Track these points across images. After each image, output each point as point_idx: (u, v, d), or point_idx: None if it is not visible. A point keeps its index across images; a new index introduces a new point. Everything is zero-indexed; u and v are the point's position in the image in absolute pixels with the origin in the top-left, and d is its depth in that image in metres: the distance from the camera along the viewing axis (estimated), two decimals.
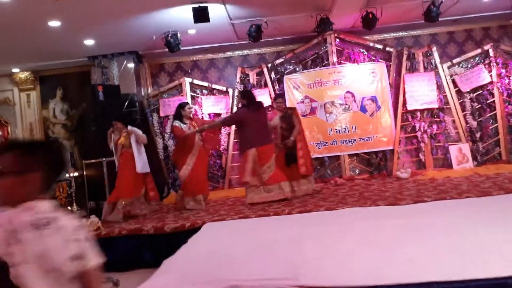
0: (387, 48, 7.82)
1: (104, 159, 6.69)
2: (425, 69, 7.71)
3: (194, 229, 4.50)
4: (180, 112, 6.13)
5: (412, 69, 7.70)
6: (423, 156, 7.60)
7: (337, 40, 7.75)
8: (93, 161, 6.85)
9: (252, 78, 7.97)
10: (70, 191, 6.78)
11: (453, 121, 7.59)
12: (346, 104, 7.70)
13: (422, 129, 7.53)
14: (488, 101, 7.61)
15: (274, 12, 6.61)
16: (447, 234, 3.16)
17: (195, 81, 8.09)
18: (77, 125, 8.44)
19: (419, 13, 6.90)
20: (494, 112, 7.58)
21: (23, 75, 8.41)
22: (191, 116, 6.41)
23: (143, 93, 8.22)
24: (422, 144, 7.56)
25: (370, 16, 6.75)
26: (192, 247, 3.67)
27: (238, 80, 7.99)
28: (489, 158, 7.55)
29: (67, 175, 6.90)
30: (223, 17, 6.50)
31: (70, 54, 7.64)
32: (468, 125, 7.57)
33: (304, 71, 7.85)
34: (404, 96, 7.60)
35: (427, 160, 7.57)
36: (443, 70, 7.64)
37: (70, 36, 6.69)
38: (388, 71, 7.74)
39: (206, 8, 5.74)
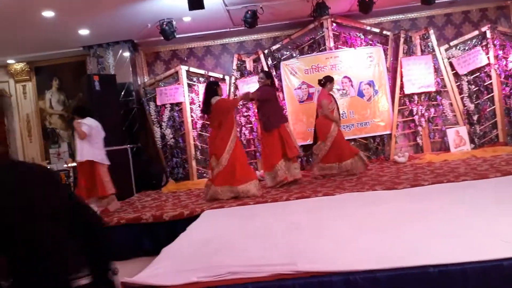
0: (384, 32, 7.78)
1: None
2: (422, 52, 7.68)
3: (193, 217, 4.52)
4: (215, 90, 5.63)
5: (409, 52, 7.68)
6: (420, 140, 7.62)
7: (334, 24, 7.70)
8: None
9: (249, 64, 7.93)
10: (68, 181, 6.79)
11: (451, 104, 7.58)
12: (343, 89, 7.68)
13: (419, 112, 7.54)
14: (485, 84, 7.60)
15: None
16: (444, 218, 3.18)
17: (192, 69, 8.06)
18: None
19: None
20: (492, 94, 7.57)
21: (19, 66, 8.37)
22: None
23: (139, 82, 8.19)
24: (419, 128, 7.58)
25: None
26: (191, 234, 3.69)
27: (234, 67, 7.95)
28: (487, 141, 7.58)
29: (65, 165, 6.91)
30: (218, 3, 6.45)
31: (65, 44, 7.59)
32: (465, 108, 7.57)
33: (301, 56, 7.82)
34: (401, 80, 7.59)
35: (425, 143, 7.59)
36: (440, 53, 7.62)
37: (65, 26, 6.65)
38: (385, 55, 7.71)
39: None
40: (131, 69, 7.95)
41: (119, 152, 6.97)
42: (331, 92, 6.45)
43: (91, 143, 5.54)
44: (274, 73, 7.83)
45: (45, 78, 8.45)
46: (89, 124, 5.55)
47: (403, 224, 3.14)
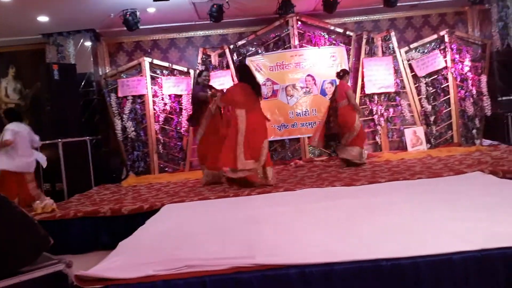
0: (347, 32, 7.92)
1: (59, 140, 6.50)
2: (384, 53, 7.88)
3: (153, 211, 4.47)
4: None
5: (371, 53, 7.86)
6: (379, 138, 7.83)
7: (299, 23, 7.78)
8: (48, 142, 6.62)
9: (214, 59, 7.90)
10: None
11: (409, 105, 7.82)
12: (306, 87, 7.78)
13: (379, 112, 7.74)
14: (442, 86, 7.89)
15: None
16: (398, 213, 3.29)
17: (155, 61, 7.94)
18: (31, 105, 8.13)
19: None
20: (448, 96, 7.86)
21: None
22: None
23: (100, 73, 8.01)
24: (378, 127, 7.78)
25: None
26: (150, 228, 3.65)
27: (199, 61, 7.91)
28: (442, 141, 7.87)
29: None
30: None
31: (23, 31, 7.32)
32: (423, 109, 7.84)
33: (266, 53, 7.86)
34: (362, 80, 7.76)
35: (383, 142, 7.80)
36: (400, 54, 7.84)
37: (23, 12, 6.41)
38: (348, 55, 7.86)
39: None
40: (92, 59, 7.76)
41: (78, 144, 6.81)
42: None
43: (14, 149, 5.21)
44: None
45: (0, 66, 8.10)
46: (15, 130, 5.26)
47: (358, 219, 3.22)
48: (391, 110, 7.79)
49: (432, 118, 7.84)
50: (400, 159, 6.80)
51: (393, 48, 7.86)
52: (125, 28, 6.94)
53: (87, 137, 7.03)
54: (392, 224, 2.99)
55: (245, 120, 5.26)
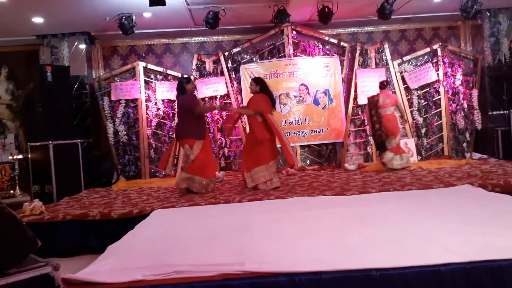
0: (342, 43, 7.99)
1: (50, 142, 6.46)
2: (377, 65, 7.95)
3: (143, 216, 4.44)
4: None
5: (364, 64, 7.92)
6: (370, 149, 7.86)
7: (294, 32, 7.83)
8: (38, 144, 6.59)
9: (209, 65, 7.92)
10: (14, 174, 6.51)
11: (401, 117, 7.85)
12: (300, 96, 7.82)
13: None
14: (434, 99, 7.97)
15: (232, 0, 6.58)
16: (388, 223, 3.30)
17: (150, 66, 7.94)
18: (23, 106, 8.08)
19: (373, 10, 7.09)
20: (439, 109, 7.94)
21: None
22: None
23: (94, 76, 7.99)
24: (370, 138, 7.81)
25: (326, 10, 6.87)
26: (139, 233, 3.62)
27: (194, 67, 7.92)
28: (433, 153, 7.93)
29: (10, 157, 6.62)
30: (180, 1, 6.41)
31: (17, 31, 7.30)
32: (414, 121, 7.90)
33: (261, 61, 7.89)
34: (355, 91, 7.82)
35: (375, 153, 7.83)
36: (393, 67, 7.92)
37: (17, 13, 6.39)
38: (342, 65, 7.93)
39: None
40: (86, 62, 7.74)
41: (69, 146, 6.78)
42: None
43: None
44: (233, 76, 7.85)
45: None
46: None
47: (348, 228, 3.23)
48: None
49: (423, 131, 7.91)
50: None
51: (386, 60, 7.94)
52: (120, 32, 6.93)
53: (79, 140, 7.00)
54: (381, 235, 3.00)
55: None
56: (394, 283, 2.38)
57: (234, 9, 6.85)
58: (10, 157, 6.73)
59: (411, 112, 7.89)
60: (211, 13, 6.79)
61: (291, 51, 7.83)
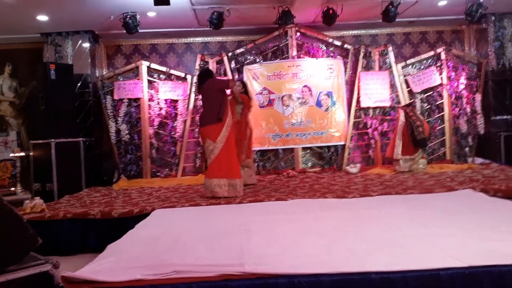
0: (345, 45, 7.98)
1: (52, 140, 6.47)
2: (380, 68, 7.93)
3: (143, 215, 4.44)
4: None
5: (368, 67, 7.91)
6: (372, 152, 7.85)
7: (298, 33, 7.83)
8: (41, 141, 6.59)
9: (212, 66, 7.92)
10: (15, 171, 6.52)
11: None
12: (303, 98, 7.81)
13: (373, 126, 7.77)
14: (437, 103, 7.94)
15: (237, 1, 6.58)
16: (388, 227, 3.29)
17: (153, 65, 7.94)
18: (26, 104, 8.10)
19: (377, 13, 7.08)
20: (442, 113, 7.92)
21: None
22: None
23: (97, 74, 8.00)
24: (372, 141, 7.80)
25: (331, 12, 6.88)
26: (139, 232, 3.62)
27: (197, 67, 7.92)
28: (435, 157, 7.90)
29: (11, 154, 6.64)
30: (185, 1, 6.42)
31: (22, 29, 7.31)
32: None
33: (264, 62, 7.89)
34: (358, 93, 7.81)
35: (376, 156, 7.82)
36: (397, 70, 7.90)
37: (22, 10, 6.40)
38: (345, 67, 7.91)
39: None
40: (90, 60, 7.75)
41: (71, 145, 6.79)
42: None
43: None
44: (236, 76, 7.85)
45: None
46: None
47: (349, 231, 3.23)
48: (385, 124, 7.83)
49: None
50: (393, 173, 6.83)
51: (390, 63, 7.92)
52: (124, 31, 6.94)
53: (81, 139, 7.01)
54: (382, 238, 3.00)
55: None
56: (394, 287, 2.37)
57: (239, 9, 6.86)
58: (12, 154, 6.75)
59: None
60: (215, 13, 6.80)
61: (294, 53, 7.83)
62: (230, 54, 7.93)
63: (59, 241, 4.55)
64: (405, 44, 8.46)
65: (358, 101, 7.85)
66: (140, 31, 6.99)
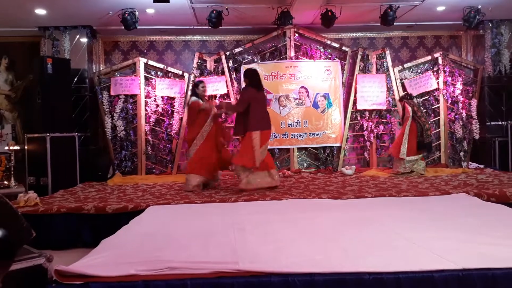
0: (343, 48, 8.00)
1: (48, 134, 6.44)
2: (377, 71, 7.96)
3: (137, 211, 4.43)
4: (194, 90, 5.97)
5: (365, 70, 7.94)
6: (368, 154, 7.87)
7: (296, 34, 7.84)
8: (36, 135, 6.56)
9: (210, 64, 7.91)
10: (9, 165, 6.48)
11: (399, 123, 7.89)
12: (299, 99, 7.82)
13: (369, 128, 7.80)
14: (433, 107, 7.98)
15: (236, 0, 6.58)
16: (382, 228, 3.30)
17: (150, 62, 7.93)
18: (21, 97, 8.06)
19: (376, 16, 7.11)
20: (438, 117, 7.96)
21: None
22: (205, 96, 6.27)
23: (94, 70, 7.98)
24: (368, 143, 7.83)
25: (329, 13, 6.89)
26: (133, 228, 3.61)
27: (195, 65, 7.91)
28: (429, 161, 7.93)
29: (6, 147, 6.60)
30: None
31: (19, 22, 7.27)
32: None
33: (262, 62, 7.89)
34: (355, 96, 7.83)
35: (372, 158, 7.85)
36: (394, 73, 7.93)
37: (21, 3, 6.38)
38: (342, 70, 7.93)
39: None
40: (87, 55, 7.72)
41: (66, 139, 6.76)
42: None
43: None
44: (234, 75, 7.86)
45: None
46: None
47: (343, 231, 3.24)
48: (381, 127, 7.86)
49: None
50: (388, 176, 6.85)
51: (387, 66, 7.95)
52: (122, 27, 6.93)
53: (76, 133, 6.98)
54: (376, 239, 3.01)
55: None
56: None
57: (238, 9, 6.86)
58: (7, 148, 6.71)
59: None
60: (214, 12, 6.80)
61: (292, 54, 7.84)
62: (228, 53, 7.93)
63: (52, 235, 4.54)
64: (403, 48, 8.49)
65: (354, 103, 7.87)
66: (138, 27, 6.97)
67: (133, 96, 7.78)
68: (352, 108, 7.88)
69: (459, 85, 7.90)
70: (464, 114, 7.90)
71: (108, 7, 6.70)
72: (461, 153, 7.94)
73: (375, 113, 7.88)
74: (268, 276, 2.41)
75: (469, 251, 2.67)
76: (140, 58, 7.85)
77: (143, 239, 3.20)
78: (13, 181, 6.54)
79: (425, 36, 8.51)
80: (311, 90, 7.82)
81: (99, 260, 2.67)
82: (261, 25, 7.75)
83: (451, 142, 8.00)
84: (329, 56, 7.94)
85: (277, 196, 5.02)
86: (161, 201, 4.88)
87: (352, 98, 7.85)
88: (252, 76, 5.68)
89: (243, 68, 7.79)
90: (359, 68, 7.92)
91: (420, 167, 6.97)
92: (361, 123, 7.88)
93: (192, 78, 7.77)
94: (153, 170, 7.81)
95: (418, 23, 7.96)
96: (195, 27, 7.77)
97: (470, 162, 7.95)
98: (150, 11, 6.91)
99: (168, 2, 5.85)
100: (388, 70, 7.94)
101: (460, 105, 7.89)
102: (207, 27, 7.13)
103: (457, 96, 7.90)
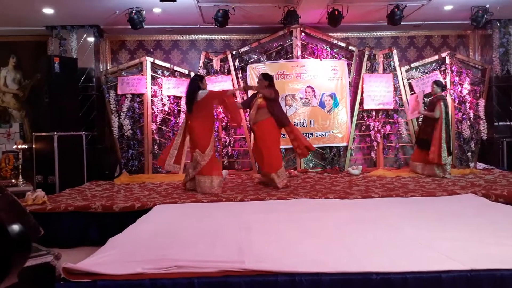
0: (350, 47, 7.98)
1: (55, 133, 6.48)
2: (384, 70, 7.93)
3: (144, 210, 4.45)
4: (198, 84, 5.67)
5: (372, 69, 7.91)
6: (374, 154, 7.85)
7: (303, 34, 7.83)
8: (43, 134, 6.61)
9: (216, 64, 7.92)
10: (17, 163, 6.53)
11: (406, 123, 7.87)
12: (306, 98, 7.80)
13: (376, 128, 7.76)
14: None
15: None
16: (389, 228, 3.29)
17: (157, 61, 7.95)
18: (29, 96, 8.11)
19: (383, 15, 7.08)
20: None
21: None
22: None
23: (101, 69, 8.01)
24: (374, 143, 7.80)
25: (336, 13, 6.87)
26: (140, 226, 3.63)
27: (201, 64, 7.93)
28: None
29: (14, 146, 6.64)
30: None
31: (27, 21, 7.32)
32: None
33: (268, 62, 7.89)
34: (362, 95, 7.81)
35: (378, 158, 7.82)
36: (401, 73, 7.89)
37: (28, 3, 6.41)
38: (349, 69, 7.90)
39: None
40: (94, 54, 7.75)
41: (73, 138, 6.80)
42: None
43: None
44: (240, 75, 7.86)
45: (1, 55, 8.06)
46: None
47: (350, 231, 3.23)
48: (388, 127, 7.82)
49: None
50: (395, 176, 6.82)
51: (394, 65, 7.92)
52: (129, 26, 6.95)
53: (83, 132, 7.02)
54: (383, 239, 3.00)
55: None
56: None
57: (244, 8, 6.86)
58: (15, 146, 6.76)
59: (417, 119, 7.86)
60: (220, 11, 6.81)
61: (299, 53, 7.83)
62: (234, 52, 7.93)
63: (59, 233, 4.56)
64: (410, 47, 8.45)
65: (361, 103, 7.85)
66: (145, 27, 7.00)
67: (140, 95, 7.80)
68: (359, 108, 7.85)
69: (466, 85, 7.85)
70: (471, 114, 7.85)
71: (115, 7, 6.73)
72: (469, 154, 7.89)
73: (381, 113, 7.84)
74: (275, 275, 2.41)
75: (477, 252, 2.65)
76: (147, 58, 7.87)
77: (150, 238, 3.21)
78: (21, 180, 6.58)
79: (432, 36, 8.47)
80: (317, 89, 7.80)
81: (106, 258, 2.69)
82: (267, 25, 7.74)
83: (458, 143, 7.95)
84: (336, 55, 7.92)
85: (284, 196, 5.02)
86: (168, 200, 4.89)
87: (358, 97, 7.82)
88: (272, 80, 6.12)
89: (250, 67, 7.80)
90: (366, 67, 7.89)
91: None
92: (367, 122, 7.85)
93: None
94: (160, 169, 7.83)
95: (425, 23, 7.92)
96: (201, 26, 7.78)
97: (477, 163, 7.90)
98: (156, 10, 6.93)
99: (175, 1, 5.87)
100: (395, 70, 7.90)
101: (468, 105, 7.85)
102: (213, 26, 7.14)
103: (464, 96, 7.85)
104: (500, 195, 4.86)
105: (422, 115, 7.06)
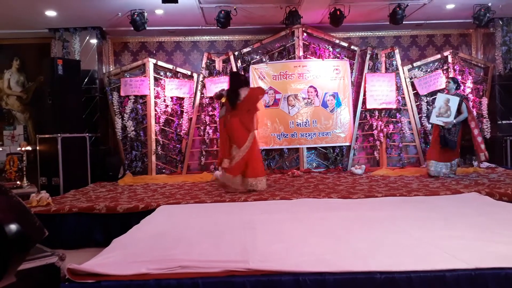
0: (352, 47, 7.97)
1: (59, 135, 6.50)
2: (387, 70, 7.92)
3: (148, 211, 4.47)
4: (241, 84, 5.77)
5: (374, 69, 7.90)
6: (378, 154, 7.84)
7: (305, 34, 7.83)
8: (47, 136, 6.64)
9: (218, 65, 7.93)
10: (21, 165, 6.55)
11: (409, 122, 7.86)
12: (308, 98, 7.80)
13: (379, 128, 7.76)
14: None
15: (244, 0, 6.59)
16: (393, 228, 3.30)
17: (160, 63, 7.97)
18: (33, 98, 8.14)
19: (384, 15, 7.08)
20: None
21: None
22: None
23: (104, 71, 8.03)
24: (377, 143, 7.80)
25: (338, 13, 6.87)
26: (144, 227, 3.64)
27: (203, 65, 7.94)
28: None
29: (18, 148, 6.67)
30: (193, 0, 6.42)
31: (30, 24, 7.34)
32: (422, 127, 7.86)
33: (270, 62, 7.89)
34: (364, 95, 7.80)
35: (382, 158, 7.81)
36: (403, 72, 7.88)
37: (31, 5, 6.43)
38: (351, 69, 7.90)
39: None
40: (97, 56, 7.78)
41: (77, 140, 6.82)
42: None
43: None
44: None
45: (5, 57, 8.10)
46: None
47: (353, 231, 3.23)
48: (391, 126, 7.81)
49: (431, 137, 7.85)
50: (398, 175, 6.82)
51: (396, 65, 7.91)
52: (131, 28, 6.97)
53: (87, 134, 7.04)
54: (387, 238, 3.00)
55: None
56: (398, 287, 2.38)
57: (246, 9, 6.87)
58: (19, 148, 6.78)
59: (420, 118, 7.86)
60: (222, 12, 6.82)
61: (301, 53, 7.83)
62: (236, 53, 7.94)
63: (64, 234, 4.58)
64: (412, 46, 8.44)
65: (363, 103, 7.84)
66: (147, 28, 7.01)
67: (143, 97, 7.82)
68: (362, 107, 7.85)
69: (469, 84, 7.83)
70: (474, 113, 7.82)
71: (117, 8, 6.75)
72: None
73: (384, 112, 7.84)
74: (279, 275, 2.42)
75: (482, 251, 2.65)
76: (150, 59, 7.89)
77: (154, 238, 3.22)
78: (26, 181, 6.59)
79: (434, 35, 8.45)
80: (320, 89, 7.80)
81: (111, 259, 2.70)
82: (269, 25, 7.75)
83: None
84: (338, 55, 7.92)
85: (287, 195, 5.03)
86: (172, 200, 4.91)
87: (361, 97, 7.82)
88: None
89: (252, 68, 7.81)
90: (368, 67, 7.89)
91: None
92: (370, 122, 7.85)
93: (201, 78, 7.81)
94: (163, 170, 7.85)
95: (427, 22, 7.91)
96: (203, 27, 7.79)
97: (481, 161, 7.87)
98: (159, 11, 6.95)
99: (177, 2, 5.87)
100: (397, 69, 7.90)
101: (471, 103, 7.82)
102: (215, 27, 7.15)
103: (467, 95, 7.83)
104: (504, 194, 4.85)
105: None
